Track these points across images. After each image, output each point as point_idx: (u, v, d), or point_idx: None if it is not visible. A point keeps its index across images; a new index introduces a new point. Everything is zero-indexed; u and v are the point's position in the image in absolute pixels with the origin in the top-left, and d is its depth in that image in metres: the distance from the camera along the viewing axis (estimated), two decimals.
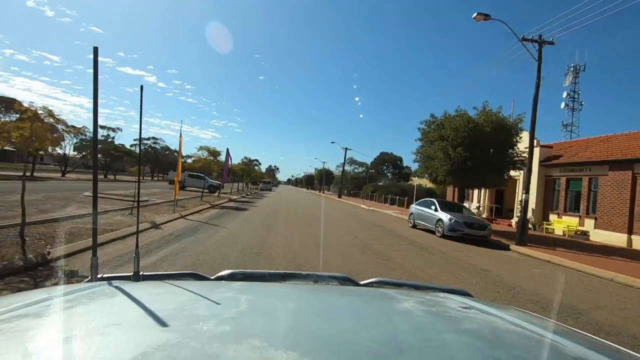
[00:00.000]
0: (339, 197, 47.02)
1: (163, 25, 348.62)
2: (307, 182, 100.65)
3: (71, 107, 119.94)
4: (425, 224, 13.68)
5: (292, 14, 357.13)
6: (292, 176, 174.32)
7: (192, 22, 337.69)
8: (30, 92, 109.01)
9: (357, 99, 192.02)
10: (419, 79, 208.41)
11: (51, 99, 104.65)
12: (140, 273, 1.15)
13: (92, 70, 1.23)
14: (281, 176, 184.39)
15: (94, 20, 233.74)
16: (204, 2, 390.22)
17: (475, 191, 24.62)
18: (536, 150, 18.07)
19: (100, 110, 1.24)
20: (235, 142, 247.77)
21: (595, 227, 16.06)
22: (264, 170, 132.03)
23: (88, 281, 1.14)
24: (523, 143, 14.77)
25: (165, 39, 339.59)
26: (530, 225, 15.35)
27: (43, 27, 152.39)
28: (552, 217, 18.58)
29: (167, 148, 58.43)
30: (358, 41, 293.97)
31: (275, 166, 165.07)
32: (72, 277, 4.32)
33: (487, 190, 22.99)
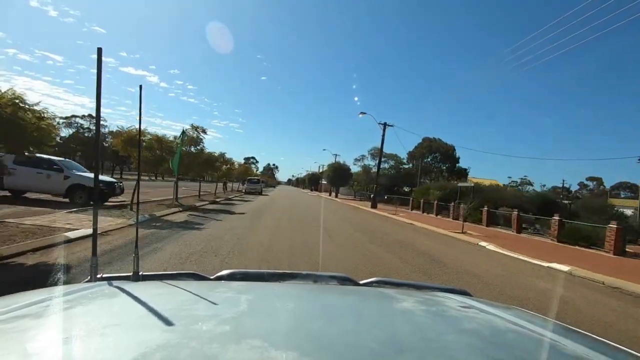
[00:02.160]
0: (373, 206, 28.53)
1: (166, 26, 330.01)
2: (311, 181, 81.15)
3: (73, 107, 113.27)
4: None
5: (294, 15, 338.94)
6: (293, 176, 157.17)
7: (195, 22, 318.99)
8: (33, 92, 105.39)
9: (356, 98, 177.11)
10: (418, 78, 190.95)
11: (53, 99, 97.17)
12: (140, 273, 1.12)
13: (94, 70, 1.16)
14: (281, 176, 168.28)
15: (97, 20, 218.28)
16: (207, 2, 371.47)
17: None
18: None
19: (101, 110, 1.17)
20: (237, 142, 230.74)
21: None
22: (261, 169, 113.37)
23: (87, 281, 1.10)
24: None
25: (167, 40, 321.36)
26: None
27: (46, 26, 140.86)
28: None
29: (119, 133, 38.60)
30: (361, 39, 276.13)
31: (274, 164, 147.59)
32: None
33: None
